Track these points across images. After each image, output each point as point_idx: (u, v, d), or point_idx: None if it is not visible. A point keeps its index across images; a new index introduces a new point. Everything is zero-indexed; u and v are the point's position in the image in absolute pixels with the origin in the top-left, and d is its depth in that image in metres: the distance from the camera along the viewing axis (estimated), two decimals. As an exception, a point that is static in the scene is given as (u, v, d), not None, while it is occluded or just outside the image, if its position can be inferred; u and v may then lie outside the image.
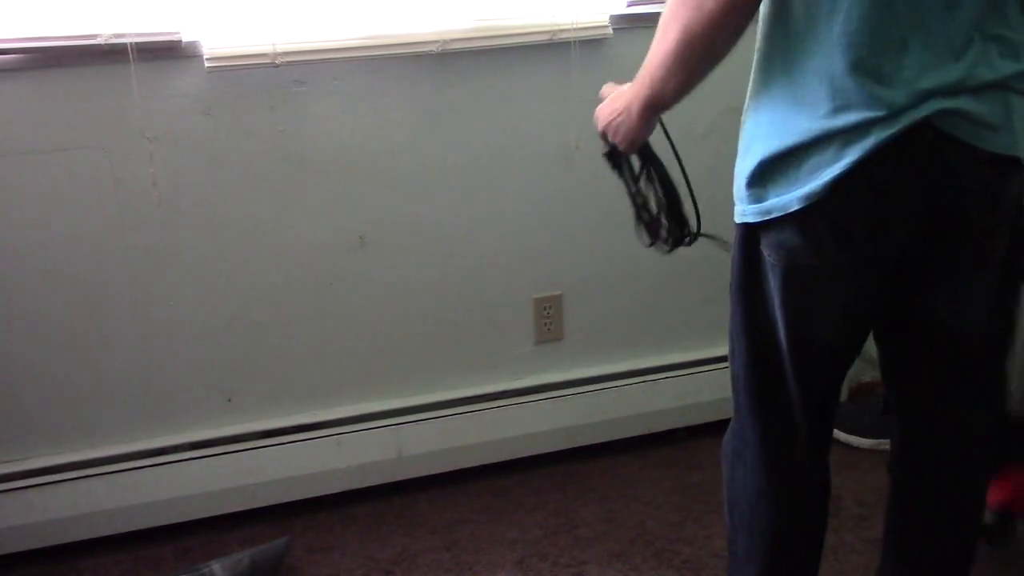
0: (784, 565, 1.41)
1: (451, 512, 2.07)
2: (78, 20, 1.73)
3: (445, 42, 1.91)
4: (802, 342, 1.26)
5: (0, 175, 1.78)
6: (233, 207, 1.92)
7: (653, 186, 1.43)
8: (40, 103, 1.77)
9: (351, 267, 2.02)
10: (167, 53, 1.79)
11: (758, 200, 1.19)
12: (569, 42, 1.99)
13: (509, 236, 2.11)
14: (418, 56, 1.92)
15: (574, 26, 1.97)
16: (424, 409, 2.11)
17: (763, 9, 1.15)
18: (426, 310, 2.09)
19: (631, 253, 2.18)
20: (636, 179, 1.44)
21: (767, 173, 1.17)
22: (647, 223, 1.45)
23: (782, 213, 1.17)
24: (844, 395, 2.42)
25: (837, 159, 1.11)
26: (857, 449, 2.25)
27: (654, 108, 1.27)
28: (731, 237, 1.31)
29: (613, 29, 2.02)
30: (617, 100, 1.33)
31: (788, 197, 1.15)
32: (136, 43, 1.74)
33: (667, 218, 1.44)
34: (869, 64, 1.08)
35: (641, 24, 2.05)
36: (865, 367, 2.43)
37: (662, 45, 1.17)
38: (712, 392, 2.22)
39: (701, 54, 1.15)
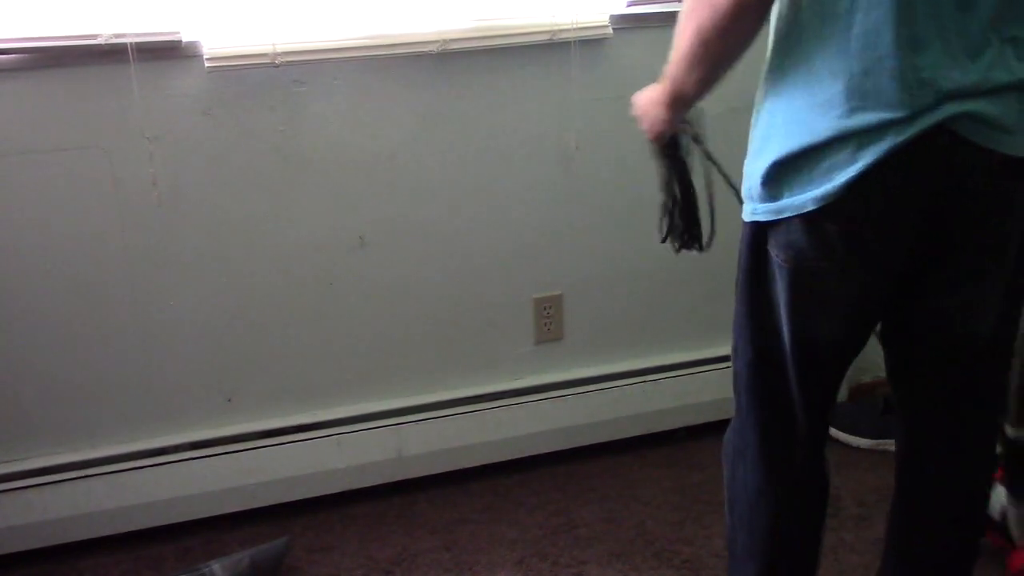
0: (784, 563, 1.41)
1: (451, 512, 2.07)
2: (78, 20, 1.73)
3: (445, 42, 1.91)
4: (806, 343, 1.26)
5: (0, 175, 1.78)
6: (233, 207, 1.92)
7: (675, 185, 1.46)
8: (40, 103, 1.77)
9: (351, 267, 2.02)
10: (167, 53, 1.79)
11: (771, 199, 1.19)
12: (569, 42, 1.99)
13: (509, 236, 2.11)
14: (418, 56, 1.92)
15: (574, 26, 1.97)
16: (424, 409, 2.11)
17: (777, 7, 1.15)
18: (426, 310, 2.09)
19: (631, 253, 2.19)
20: (666, 174, 1.47)
21: (781, 173, 1.16)
22: (666, 218, 1.49)
23: (794, 213, 1.16)
24: (844, 395, 2.43)
25: (852, 161, 1.11)
26: (857, 449, 2.25)
27: (676, 102, 1.29)
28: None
29: (613, 29, 2.02)
30: (652, 90, 1.35)
31: (802, 197, 1.15)
32: (136, 43, 1.74)
33: (680, 218, 1.47)
34: (886, 64, 1.08)
35: (641, 24, 2.05)
36: (865, 367, 2.43)
37: (680, 42, 1.18)
38: (712, 392, 2.22)
39: (716, 52, 1.16)
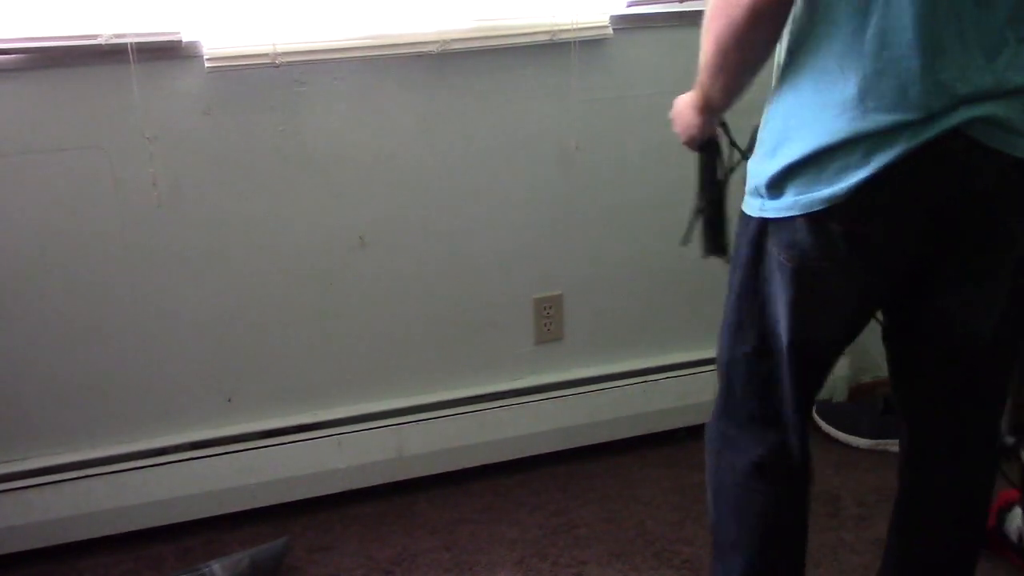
0: (773, 552, 1.40)
1: (451, 512, 2.07)
2: (78, 20, 1.73)
3: (445, 42, 1.91)
4: (804, 340, 1.26)
5: (0, 175, 1.78)
6: (233, 207, 1.92)
7: (706, 190, 1.47)
8: (40, 103, 1.77)
9: (351, 267, 2.02)
10: (167, 53, 1.79)
11: (778, 197, 1.18)
12: (569, 42, 1.98)
13: (509, 236, 2.10)
14: (418, 56, 1.92)
15: (574, 26, 1.97)
16: (424, 409, 2.10)
17: (793, 10, 1.14)
18: (426, 310, 2.09)
19: (631, 253, 2.20)
20: (700, 178, 1.48)
21: (792, 173, 1.16)
22: (697, 222, 1.50)
23: (800, 212, 1.16)
24: (844, 395, 2.43)
25: (864, 163, 1.10)
26: (857, 449, 2.25)
27: (705, 109, 1.31)
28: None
29: (613, 29, 2.02)
30: (689, 94, 1.36)
31: (811, 197, 1.14)
32: (136, 43, 1.74)
33: (707, 225, 1.48)
34: (903, 65, 1.07)
35: (641, 24, 2.05)
36: (865, 367, 2.44)
37: (703, 52, 1.19)
38: (712, 392, 2.19)
39: (735, 61, 1.16)
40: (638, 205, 2.16)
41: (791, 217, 1.17)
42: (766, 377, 1.31)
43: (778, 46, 1.18)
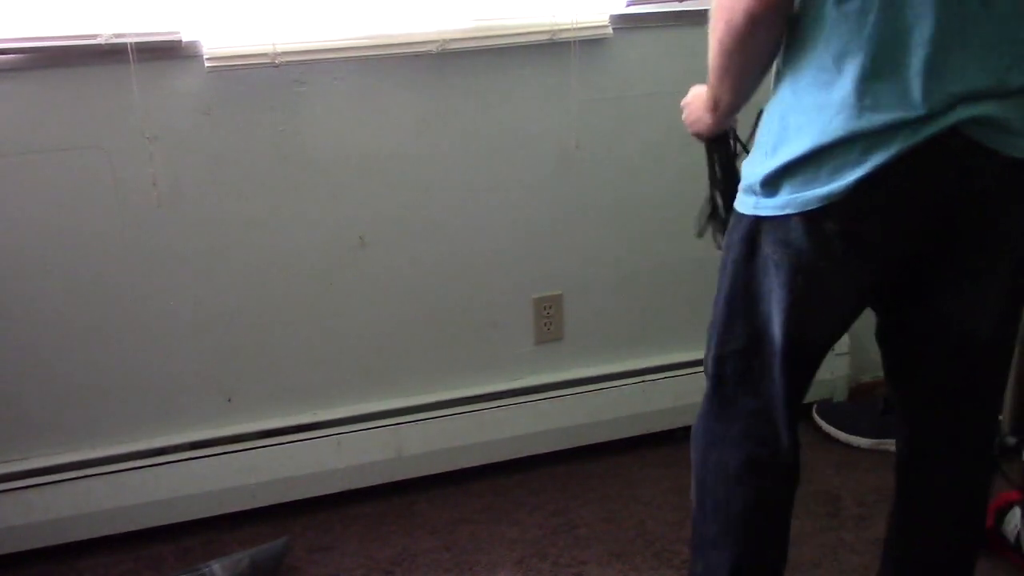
0: (755, 547, 1.40)
1: (451, 512, 2.07)
2: (78, 20, 1.73)
3: (444, 42, 1.91)
4: (797, 338, 1.26)
5: (0, 175, 1.78)
6: (233, 207, 1.92)
7: (714, 187, 1.48)
8: (40, 103, 1.77)
9: (351, 267, 2.02)
10: (167, 53, 1.79)
11: (773, 194, 1.18)
12: (569, 42, 1.99)
13: (509, 236, 2.10)
14: (417, 56, 1.92)
15: (574, 26, 1.97)
16: (424, 409, 2.11)
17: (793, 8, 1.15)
18: (426, 310, 2.09)
19: (631, 253, 2.20)
20: (710, 172, 1.50)
21: (789, 171, 1.16)
22: (705, 215, 1.51)
23: (795, 211, 1.16)
24: (844, 395, 2.43)
25: (861, 162, 1.11)
26: (857, 449, 2.25)
27: (714, 107, 1.31)
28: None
29: (613, 29, 2.02)
30: (702, 89, 1.36)
31: (807, 195, 1.15)
32: (136, 43, 1.74)
33: (716, 218, 1.49)
34: (901, 64, 1.07)
35: (641, 24, 2.05)
36: (865, 367, 2.43)
37: (710, 54, 1.20)
38: (712, 392, 2.22)
39: (738, 64, 1.18)
40: (638, 205, 2.16)
41: (786, 216, 1.17)
42: (757, 374, 1.31)
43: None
